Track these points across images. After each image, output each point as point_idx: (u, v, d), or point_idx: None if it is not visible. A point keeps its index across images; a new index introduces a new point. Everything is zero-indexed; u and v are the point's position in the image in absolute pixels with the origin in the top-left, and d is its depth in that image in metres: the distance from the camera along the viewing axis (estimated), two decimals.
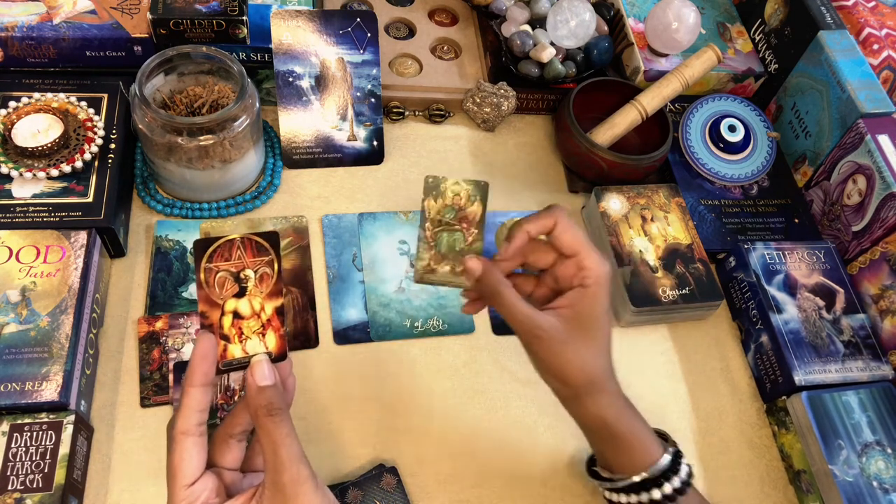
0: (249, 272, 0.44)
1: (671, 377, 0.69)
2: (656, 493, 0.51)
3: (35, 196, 0.63)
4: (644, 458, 0.52)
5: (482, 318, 0.69)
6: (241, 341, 0.45)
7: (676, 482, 0.51)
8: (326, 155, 0.76)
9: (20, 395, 0.53)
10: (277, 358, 0.46)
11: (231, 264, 0.44)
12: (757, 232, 0.78)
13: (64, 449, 0.52)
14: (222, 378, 0.61)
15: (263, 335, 0.45)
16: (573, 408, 0.53)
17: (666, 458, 0.52)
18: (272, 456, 0.42)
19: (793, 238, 0.78)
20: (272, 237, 0.45)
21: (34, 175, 0.63)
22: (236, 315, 0.44)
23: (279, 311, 0.45)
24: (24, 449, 0.52)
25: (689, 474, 0.53)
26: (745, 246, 0.72)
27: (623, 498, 0.53)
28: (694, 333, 0.72)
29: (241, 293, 0.44)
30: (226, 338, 0.45)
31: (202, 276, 0.43)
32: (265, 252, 0.45)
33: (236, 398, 0.60)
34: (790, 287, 0.71)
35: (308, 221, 0.72)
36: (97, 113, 0.68)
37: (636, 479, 0.52)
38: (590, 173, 0.78)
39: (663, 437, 0.55)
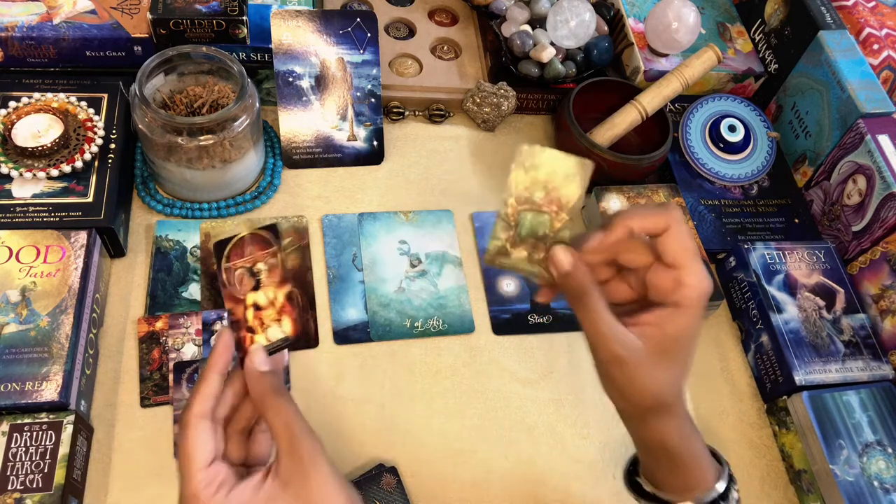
0: (261, 265, 0.48)
1: None
2: None
3: (35, 196, 0.63)
4: (698, 483, 0.48)
5: (482, 318, 0.69)
6: (263, 330, 0.48)
7: None
8: (326, 155, 0.76)
9: (20, 395, 0.53)
10: (302, 342, 0.48)
11: (245, 260, 0.47)
12: (757, 232, 0.78)
13: (64, 449, 0.52)
14: None
15: (279, 321, 0.48)
16: (635, 427, 0.48)
17: (720, 486, 0.48)
18: (285, 431, 0.42)
19: (793, 238, 0.78)
20: (273, 228, 0.48)
21: (34, 175, 0.63)
22: (256, 307, 0.48)
23: (289, 297, 0.48)
24: (24, 449, 0.52)
25: (739, 501, 0.49)
26: (745, 246, 0.72)
27: None
28: None
29: (256, 286, 0.47)
30: (251, 329, 0.48)
31: (224, 275, 0.46)
32: (269, 244, 0.49)
33: None
34: (790, 287, 0.71)
35: (308, 221, 0.72)
36: (97, 113, 0.68)
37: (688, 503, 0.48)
38: None
39: (716, 457, 0.51)
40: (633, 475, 0.52)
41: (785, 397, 0.66)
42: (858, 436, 0.62)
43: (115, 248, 0.66)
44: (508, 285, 0.72)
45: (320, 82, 0.76)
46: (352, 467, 0.59)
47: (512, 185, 0.46)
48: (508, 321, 0.69)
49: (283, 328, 0.49)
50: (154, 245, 0.68)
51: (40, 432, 0.53)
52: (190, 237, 0.69)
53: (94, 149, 0.65)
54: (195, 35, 0.71)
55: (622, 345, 0.43)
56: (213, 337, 0.45)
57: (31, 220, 0.62)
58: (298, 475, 0.41)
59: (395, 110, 0.81)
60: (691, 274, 0.43)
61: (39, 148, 0.64)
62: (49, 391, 0.54)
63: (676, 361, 0.45)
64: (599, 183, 0.76)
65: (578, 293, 0.44)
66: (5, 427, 0.53)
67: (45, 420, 0.53)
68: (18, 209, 0.62)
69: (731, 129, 0.82)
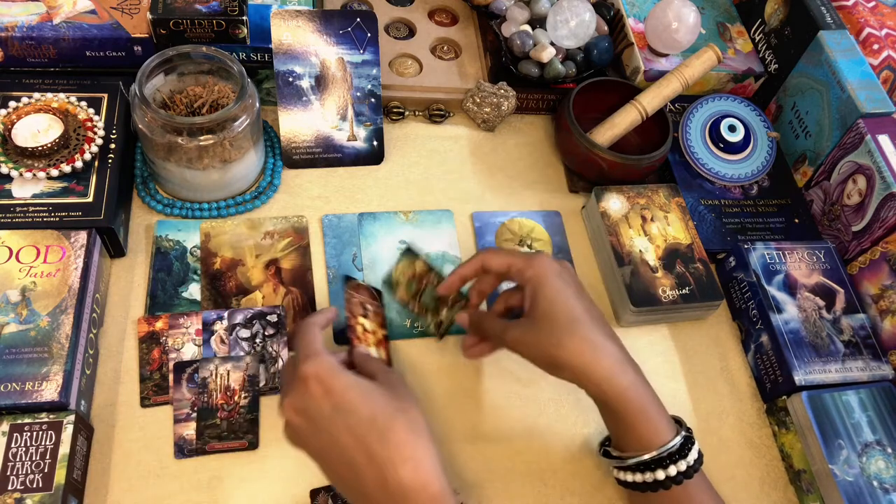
0: (369, 306, 0.66)
1: (671, 377, 0.69)
2: (661, 474, 0.52)
3: (35, 196, 0.63)
4: (654, 439, 0.53)
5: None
6: (366, 346, 0.63)
7: (683, 465, 0.52)
8: (326, 155, 0.76)
9: (20, 395, 0.53)
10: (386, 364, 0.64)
11: (360, 297, 0.65)
12: (757, 232, 0.78)
13: (64, 449, 0.52)
14: (222, 379, 0.61)
15: (378, 347, 0.64)
16: (584, 389, 0.55)
17: (676, 441, 0.53)
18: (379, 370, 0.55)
19: (793, 238, 0.78)
20: (380, 293, 0.67)
21: (34, 175, 0.63)
22: (364, 328, 0.64)
23: (385, 337, 0.65)
24: (24, 449, 0.52)
25: (698, 460, 0.54)
26: (745, 246, 0.72)
27: (630, 476, 0.54)
28: (694, 333, 0.72)
29: (365, 315, 0.65)
30: (359, 338, 0.62)
31: (346, 296, 0.65)
32: (376, 298, 0.67)
33: (236, 398, 0.60)
34: (790, 287, 0.71)
35: (308, 221, 0.72)
36: (97, 113, 0.68)
37: (645, 457, 0.53)
38: (590, 173, 0.78)
39: (678, 422, 0.56)
40: (607, 447, 0.59)
41: (784, 397, 0.66)
42: (858, 436, 0.62)
43: (115, 248, 0.66)
44: (508, 285, 0.72)
45: (320, 82, 0.76)
46: None
47: (400, 301, 0.67)
48: None
49: (380, 353, 0.64)
50: (154, 245, 0.68)
51: (40, 432, 0.53)
52: (190, 237, 0.69)
53: (94, 149, 0.65)
54: (195, 35, 0.71)
55: (513, 334, 0.57)
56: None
57: (31, 220, 0.62)
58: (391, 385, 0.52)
59: (395, 110, 0.81)
60: (516, 264, 0.59)
61: (39, 148, 0.64)
62: (49, 391, 0.54)
63: (568, 322, 0.54)
64: (599, 183, 0.76)
65: (478, 326, 0.62)
66: (5, 427, 0.53)
67: (46, 420, 0.53)
68: (18, 209, 0.62)
69: (731, 129, 0.82)
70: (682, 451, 0.53)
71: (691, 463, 0.53)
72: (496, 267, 0.60)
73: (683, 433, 0.54)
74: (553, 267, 0.58)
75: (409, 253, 0.68)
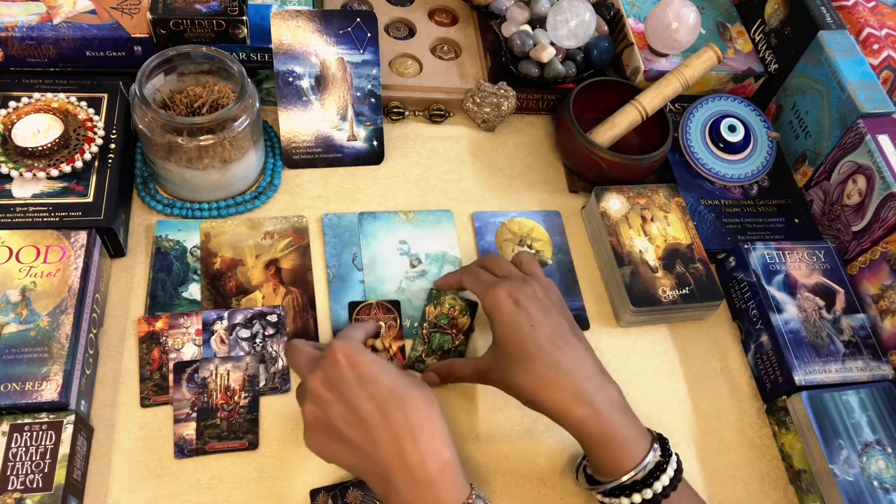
0: (382, 323, 0.66)
1: (671, 377, 0.69)
2: (637, 497, 0.52)
3: (35, 196, 0.63)
4: (623, 464, 0.53)
5: (482, 318, 0.69)
6: None
7: (658, 486, 0.52)
8: (326, 155, 0.76)
9: (20, 395, 0.53)
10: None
11: (370, 317, 0.67)
12: (757, 232, 0.78)
13: (64, 449, 0.52)
14: (222, 379, 0.61)
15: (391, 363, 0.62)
16: (557, 420, 0.55)
17: (647, 462, 0.53)
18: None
19: (793, 238, 0.78)
20: (396, 303, 0.68)
21: (34, 175, 0.63)
22: (373, 348, 0.65)
23: (401, 349, 0.66)
24: (24, 449, 0.52)
25: (677, 473, 0.53)
26: (745, 246, 0.72)
27: (608, 500, 0.54)
28: (694, 333, 0.72)
29: (377, 335, 0.66)
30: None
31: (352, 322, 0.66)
32: (391, 312, 0.67)
33: (235, 398, 0.60)
34: (790, 287, 0.71)
35: (308, 221, 0.72)
36: (97, 113, 0.68)
37: (624, 479, 0.53)
38: (590, 173, 0.78)
39: (657, 437, 0.56)
40: (586, 469, 0.59)
41: (784, 397, 0.66)
42: (858, 436, 0.62)
43: (115, 248, 0.66)
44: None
45: (320, 82, 0.76)
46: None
47: (426, 314, 0.67)
48: None
49: None
50: (154, 245, 0.68)
51: (40, 432, 0.53)
52: (190, 237, 0.69)
53: (94, 149, 0.65)
54: (195, 35, 0.71)
55: (478, 371, 0.59)
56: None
57: (31, 220, 0.62)
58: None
59: (395, 110, 0.81)
60: (479, 294, 0.60)
61: (39, 148, 0.64)
62: (49, 391, 0.54)
63: (527, 355, 0.55)
64: (599, 183, 0.76)
65: (446, 378, 0.62)
66: (5, 427, 0.53)
67: (46, 420, 0.53)
68: (18, 209, 0.62)
69: (731, 129, 0.82)
70: (657, 471, 0.53)
71: (667, 483, 0.52)
72: (468, 289, 0.63)
73: (656, 453, 0.53)
74: (506, 297, 0.57)
75: (434, 294, 0.68)
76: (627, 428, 0.54)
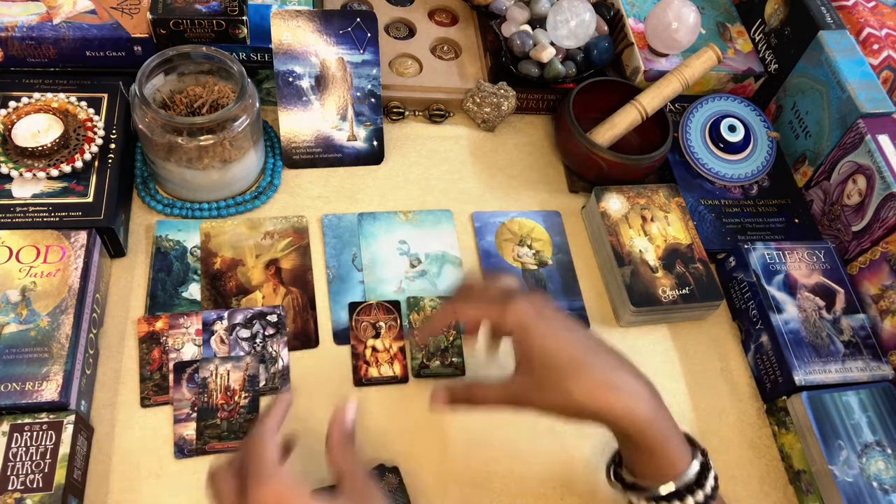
0: (382, 323, 0.67)
1: (671, 377, 0.69)
2: (693, 499, 0.50)
3: (35, 196, 0.63)
4: (671, 469, 0.50)
5: None
6: (377, 366, 0.65)
7: (700, 496, 0.50)
8: (326, 155, 0.76)
9: (20, 395, 0.54)
10: (401, 379, 0.64)
11: (370, 318, 0.67)
12: (757, 232, 0.78)
13: (64, 449, 0.52)
14: (222, 379, 0.61)
15: (392, 364, 0.65)
16: (606, 427, 0.52)
17: (693, 470, 0.50)
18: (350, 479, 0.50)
19: (793, 238, 0.78)
20: (396, 304, 0.67)
21: (34, 175, 0.63)
22: (374, 349, 0.65)
23: (401, 349, 0.66)
24: (24, 449, 0.52)
25: (715, 487, 0.51)
26: (745, 246, 0.72)
27: None
28: (694, 333, 0.72)
29: (377, 335, 0.66)
30: (367, 362, 0.64)
31: (352, 323, 0.66)
32: (391, 312, 0.67)
33: (236, 398, 0.60)
34: (790, 287, 0.71)
35: (308, 221, 0.72)
36: (97, 113, 0.68)
37: (662, 491, 0.50)
38: (590, 173, 0.78)
39: (692, 443, 0.54)
40: (617, 467, 0.56)
41: (784, 397, 0.66)
42: (858, 436, 0.62)
43: (115, 248, 0.66)
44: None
45: (320, 82, 0.76)
46: None
47: (413, 324, 0.67)
48: None
49: (394, 369, 0.65)
50: (154, 245, 0.68)
51: (40, 432, 0.53)
52: (190, 237, 0.69)
53: (94, 149, 0.65)
54: (195, 35, 0.71)
55: (513, 397, 0.53)
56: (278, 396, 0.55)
57: (31, 220, 0.62)
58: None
59: (395, 110, 0.81)
60: (491, 314, 0.54)
61: (39, 148, 0.64)
62: (49, 391, 0.54)
63: (559, 369, 0.50)
64: (599, 183, 0.76)
65: (466, 403, 0.55)
66: (5, 427, 0.53)
67: (46, 420, 0.53)
68: (18, 209, 0.62)
69: (731, 129, 0.82)
70: (700, 480, 0.50)
71: (708, 492, 0.50)
72: (470, 319, 0.56)
73: (699, 459, 0.51)
74: (531, 309, 0.52)
75: (412, 302, 0.68)
76: (676, 431, 0.51)
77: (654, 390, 0.52)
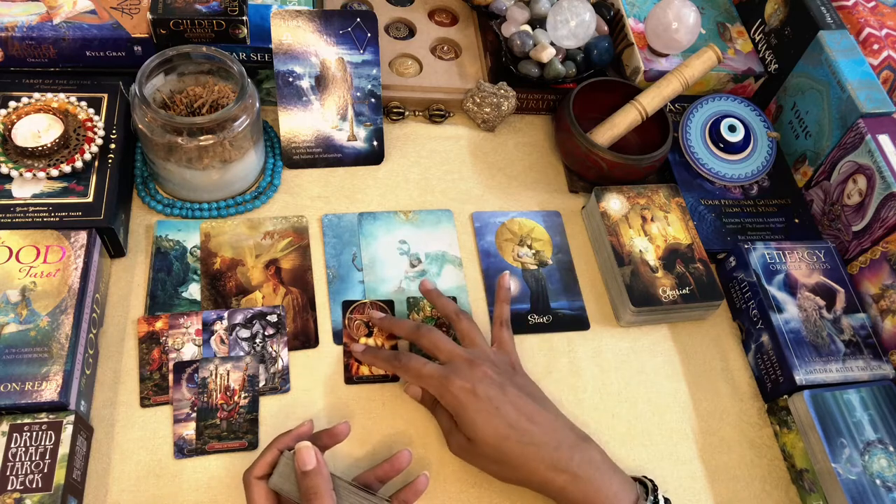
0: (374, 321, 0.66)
1: (671, 377, 0.69)
2: None
3: (35, 196, 0.63)
4: None
5: (482, 318, 0.69)
6: (369, 365, 0.64)
7: None
8: (326, 155, 0.76)
9: (20, 395, 0.53)
10: (393, 378, 0.64)
11: (363, 316, 0.67)
12: (757, 232, 0.78)
13: (63, 449, 0.52)
14: (222, 379, 0.61)
15: None
16: (539, 492, 0.56)
17: None
18: None
19: (793, 238, 0.78)
20: (389, 303, 0.68)
21: (34, 175, 0.63)
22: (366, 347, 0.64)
23: (393, 348, 0.65)
24: (23, 449, 0.52)
25: None
26: (746, 246, 0.72)
27: None
28: (694, 333, 0.72)
29: (369, 334, 0.66)
30: (359, 361, 0.64)
31: (346, 322, 0.66)
32: (385, 311, 0.67)
33: (235, 398, 0.60)
34: (790, 287, 0.71)
35: (308, 221, 0.72)
36: (97, 113, 0.68)
37: None
38: (590, 173, 0.78)
39: (641, 482, 0.56)
40: None
41: (786, 397, 0.66)
42: (860, 434, 0.62)
43: (115, 248, 0.66)
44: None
45: (320, 82, 0.76)
46: (353, 467, 0.59)
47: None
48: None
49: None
50: (154, 245, 0.68)
51: (40, 432, 0.53)
52: (190, 237, 0.69)
53: (94, 149, 0.65)
54: (195, 35, 0.71)
55: (453, 438, 0.58)
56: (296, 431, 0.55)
57: (31, 220, 0.62)
58: None
59: (395, 110, 0.81)
60: (433, 390, 0.59)
61: (39, 148, 0.64)
62: (49, 391, 0.54)
63: (486, 445, 0.55)
64: (599, 183, 0.76)
65: (429, 408, 0.62)
66: (5, 427, 0.53)
67: (45, 420, 0.53)
68: (18, 209, 0.62)
69: (731, 129, 0.82)
70: None
71: None
72: (412, 382, 0.61)
73: (644, 502, 0.54)
74: (463, 391, 0.56)
75: (412, 302, 0.68)
76: (611, 484, 0.54)
77: (585, 452, 0.55)
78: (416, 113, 0.83)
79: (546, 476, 0.54)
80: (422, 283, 0.65)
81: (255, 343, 0.63)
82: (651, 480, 0.56)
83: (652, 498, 0.54)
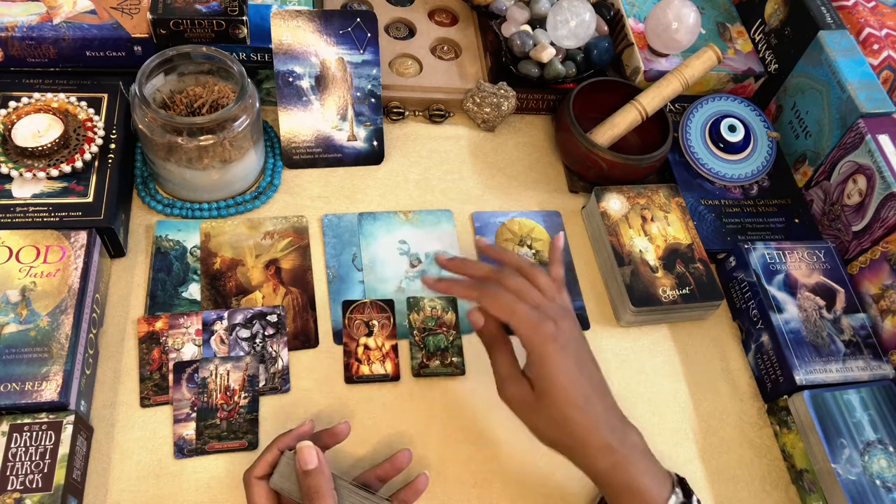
0: (375, 321, 0.67)
1: (671, 377, 0.69)
2: None
3: (35, 196, 0.63)
4: None
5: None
6: (368, 364, 0.64)
7: None
8: (326, 155, 0.76)
9: (20, 395, 0.53)
10: (392, 377, 0.64)
11: (364, 316, 0.67)
12: (757, 232, 0.78)
13: (63, 449, 0.52)
14: (222, 379, 0.61)
15: (383, 362, 0.65)
16: (571, 460, 0.54)
17: (672, 502, 0.51)
18: None
19: (793, 238, 0.78)
20: (389, 303, 0.68)
21: (34, 175, 0.63)
22: (366, 347, 0.65)
23: (394, 348, 0.66)
24: (23, 449, 0.52)
25: None
26: (746, 246, 0.72)
27: None
28: (694, 333, 0.72)
29: (369, 333, 0.66)
30: (359, 360, 0.65)
31: (346, 321, 0.66)
32: (385, 311, 0.67)
33: (235, 398, 0.60)
34: (790, 287, 0.71)
35: (308, 221, 0.72)
36: (97, 113, 0.68)
37: None
38: (590, 173, 0.78)
39: (678, 480, 0.54)
40: None
41: (786, 397, 0.66)
42: (860, 434, 0.62)
43: (115, 248, 0.66)
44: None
45: (320, 82, 0.76)
46: (354, 467, 0.59)
47: (412, 323, 0.67)
48: None
49: (386, 367, 0.65)
50: (154, 245, 0.68)
51: (40, 432, 0.53)
52: (190, 237, 0.69)
53: (94, 149, 0.65)
54: (195, 35, 0.71)
55: (505, 392, 0.55)
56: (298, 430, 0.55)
57: (31, 220, 0.62)
58: None
59: (395, 110, 0.81)
60: (523, 330, 0.54)
61: (39, 148, 0.64)
62: (49, 391, 0.54)
63: (542, 398, 0.53)
64: (599, 183, 0.76)
65: (487, 344, 0.57)
66: (5, 427, 0.53)
67: (45, 420, 0.53)
68: (18, 209, 0.62)
69: (731, 129, 0.82)
70: None
71: None
72: (496, 315, 0.55)
73: (678, 497, 0.52)
74: (556, 342, 0.53)
75: (412, 302, 0.68)
76: (650, 473, 0.52)
77: (631, 437, 0.53)
78: (416, 113, 0.83)
79: (596, 454, 0.52)
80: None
81: (255, 343, 0.63)
82: (683, 478, 0.55)
83: (683, 492, 0.52)
